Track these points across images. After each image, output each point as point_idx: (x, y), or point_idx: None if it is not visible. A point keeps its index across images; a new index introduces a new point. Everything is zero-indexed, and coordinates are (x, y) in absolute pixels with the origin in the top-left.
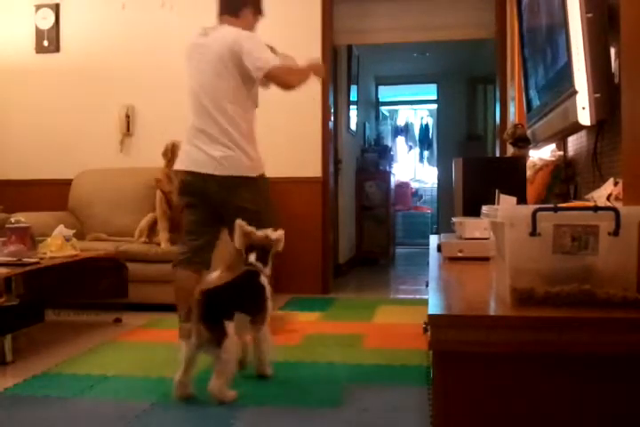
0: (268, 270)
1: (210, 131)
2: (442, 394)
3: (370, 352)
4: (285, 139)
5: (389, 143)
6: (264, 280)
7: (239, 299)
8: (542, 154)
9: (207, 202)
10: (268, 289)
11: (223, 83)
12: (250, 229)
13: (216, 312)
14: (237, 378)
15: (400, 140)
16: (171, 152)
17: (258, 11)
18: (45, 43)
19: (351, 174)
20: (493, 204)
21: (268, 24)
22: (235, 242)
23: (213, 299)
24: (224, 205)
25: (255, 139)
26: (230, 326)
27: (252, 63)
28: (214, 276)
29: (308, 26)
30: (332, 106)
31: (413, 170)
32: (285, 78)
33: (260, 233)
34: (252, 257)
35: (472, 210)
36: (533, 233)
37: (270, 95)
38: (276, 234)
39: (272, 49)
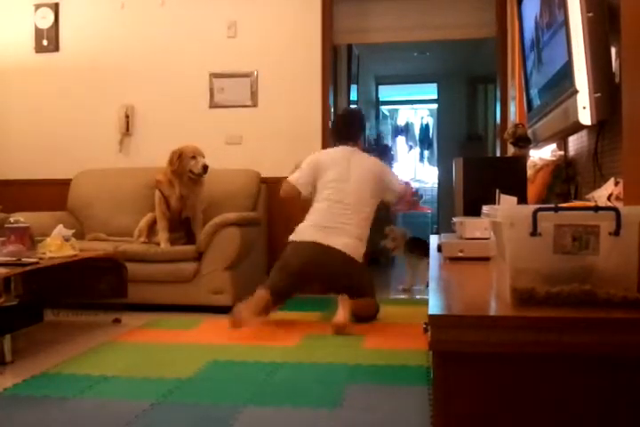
0: None
1: None
2: (442, 394)
3: (370, 352)
4: (285, 139)
5: (389, 143)
6: None
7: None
8: (543, 154)
9: None
10: None
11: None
12: None
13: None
14: (237, 378)
15: (400, 139)
16: (177, 159)
17: (364, 130)
18: (45, 42)
19: None
20: (494, 204)
21: (268, 24)
22: None
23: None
24: None
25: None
26: None
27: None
28: None
29: (308, 26)
30: (332, 106)
31: (413, 170)
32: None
33: None
34: None
35: (472, 210)
36: (534, 233)
37: (270, 95)
38: None
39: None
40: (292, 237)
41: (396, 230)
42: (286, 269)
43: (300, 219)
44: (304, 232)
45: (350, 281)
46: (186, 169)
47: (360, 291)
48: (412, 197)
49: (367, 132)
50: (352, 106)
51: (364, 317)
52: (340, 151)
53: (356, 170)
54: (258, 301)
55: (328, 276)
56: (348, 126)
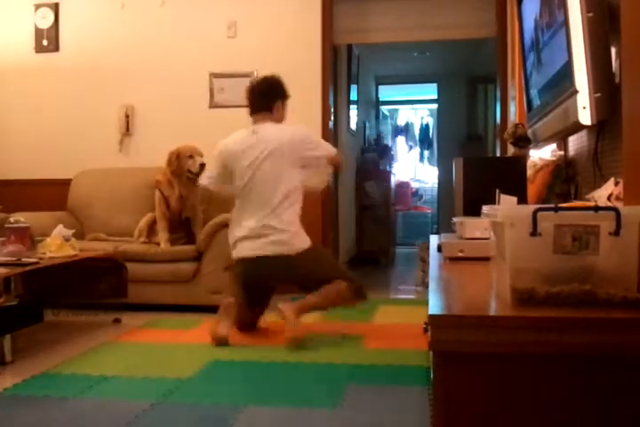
0: None
1: None
2: (442, 394)
3: (370, 352)
4: None
5: (389, 143)
6: None
7: None
8: (543, 154)
9: None
10: None
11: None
12: None
13: None
14: (237, 378)
15: (400, 139)
16: (176, 160)
17: (285, 98)
18: (45, 42)
19: (351, 174)
20: (494, 204)
21: (268, 24)
22: None
23: None
24: None
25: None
26: None
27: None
28: None
29: (308, 26)
30: (332, 106)
31: (413, 170)
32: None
33: None
34: None
35: (472, 210)
36: (534, 233)
37: None
38: None
39: None
40: (232, 254)
41: None
42: (239, 284)
43: (300, 218)
44: (237, 246)
45: (308, 276)
46: (184, 169)
47: (325, 278)
48: (339, 161)
49: (367, 132)
50: (271, 75)
51: (344, 303)
52: (244, 136)
53: (266, 150)
54: (226, 310)
55: (283, 281)
56: (261, 96)
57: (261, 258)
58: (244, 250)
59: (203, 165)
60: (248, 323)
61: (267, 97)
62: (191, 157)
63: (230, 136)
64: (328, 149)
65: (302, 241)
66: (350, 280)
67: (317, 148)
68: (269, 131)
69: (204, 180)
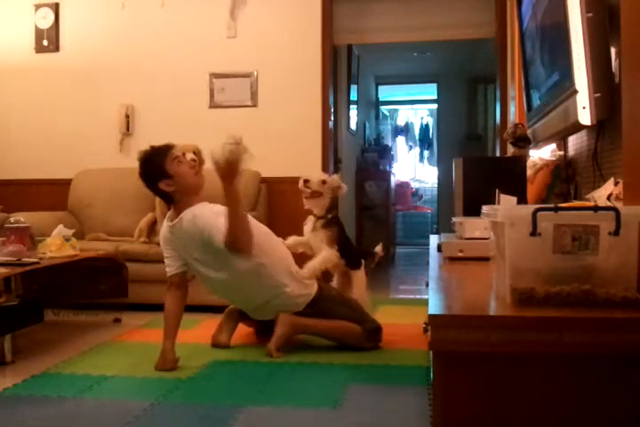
0: None
1: None
2: (442, 394)
3: (370, 352)
4: (285, 139)
5: (389, 143)
6: None
7: None
8: (543, 154)
9: None
10: None
11: None
12: None
13: None
14: (237, 378)
15: (400, 139)
16: None
17: (166, 176)
18: (45, 42)
19: (351, 174)
20: (493, 203)
21: (268, 24)
22: None
23: None
24: None
25: None
26: None
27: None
28: None
29: (308, 26)
30: (332, 106)
31: (413, 170)
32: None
33: None
34: None
35: (472, 210)
36: (534, 233)
37: (270, 95)
38: None
39: None
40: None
41: None
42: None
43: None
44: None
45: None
46: None
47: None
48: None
49: (367, 132)
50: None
51: (355, 343)
52: (166, 232)
53: (189, 244)
54: (229, 318)
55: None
56: (145, 181)
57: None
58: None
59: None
60: (261, 329)
61: (151, 184)
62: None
63: None
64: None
65: (300, 294)
66: (367, 322)
67: (217, 229)
68: (184, 227)
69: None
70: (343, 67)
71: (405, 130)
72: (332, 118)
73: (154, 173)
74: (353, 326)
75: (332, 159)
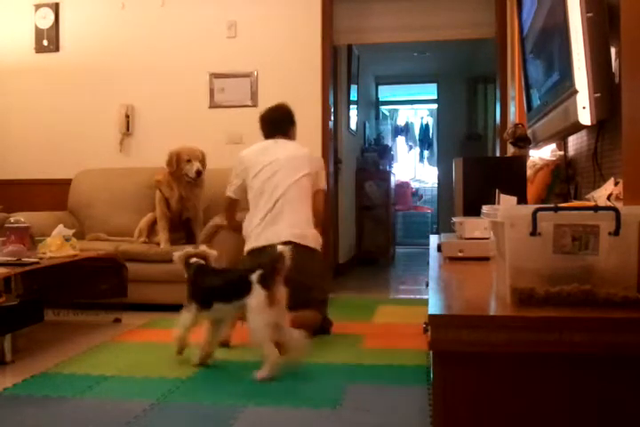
0: None
1: None
2: (442, 394)
3: (370, 352)
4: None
5: (389, 143)
6: None
7: None
8: (543, 153)
9: None
10: None
11: None
12: None
13: None
14: (237, 378)
15: (400, 139)
16: (176, 162)
17: (295, 124)
18: (45, 42)
19: (351, 174)
20: (493, 203)
21: (268, 24)
22: None
23: None
24: None
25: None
26: None
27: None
28: None
29: (308, 26)
30: (332, 106)
31: (413, 170)
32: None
33: None
34: None
35: (472, 210)
36: (534, 233)
37: (270, 95)
38: None
39: None
40: (252, 245)
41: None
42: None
43: None
44: (252, 237)
45: (308, 277)
46: (182, 172)
47: (313, 288)
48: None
49: (367, 132)
50: (281, 102)
51: (307, 331)
52: (265, 143)
53: (285, 153)
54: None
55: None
56: (277, 122)
57: (299, 247)
58: (261, 240)
59: (199, 172)
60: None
61: (283, 123)
62: (189, 161)
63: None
64: (324, 184)
65: (316, 241)
66: (323, 308)
67: (323, 176)
68: (289, 143)
69: (230, 193)
70: (343, 67)
71: (405, 130)
72: (332, 118)
73: (294, 119)
74: (315, 315)
75: (332, 159)
